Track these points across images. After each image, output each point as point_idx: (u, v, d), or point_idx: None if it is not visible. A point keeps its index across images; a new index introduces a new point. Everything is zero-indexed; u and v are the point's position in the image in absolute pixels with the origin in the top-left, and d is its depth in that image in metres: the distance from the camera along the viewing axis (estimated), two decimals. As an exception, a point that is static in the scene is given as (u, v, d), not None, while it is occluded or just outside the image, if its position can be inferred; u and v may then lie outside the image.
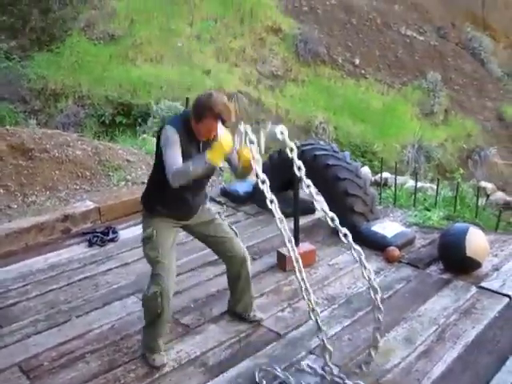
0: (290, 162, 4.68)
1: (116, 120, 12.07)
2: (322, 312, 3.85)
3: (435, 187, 6.39)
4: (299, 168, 3.14)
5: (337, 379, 3.08)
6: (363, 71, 16.01)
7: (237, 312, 3.78)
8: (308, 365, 3.23)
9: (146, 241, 3.37)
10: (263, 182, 2.98)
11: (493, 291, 4.11)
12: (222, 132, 2.99)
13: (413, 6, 18.93)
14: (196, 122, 3.15)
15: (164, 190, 3.18)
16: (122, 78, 13.16)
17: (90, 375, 3.26)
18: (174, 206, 3.31)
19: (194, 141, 3.24)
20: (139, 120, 11.73)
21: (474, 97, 17.20)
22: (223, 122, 3.07)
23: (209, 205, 3.69)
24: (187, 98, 6.07)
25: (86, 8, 14.69)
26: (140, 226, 4.89)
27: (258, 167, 2.99)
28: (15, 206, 5.68)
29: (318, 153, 5.20)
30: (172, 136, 3.12)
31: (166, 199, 3.27)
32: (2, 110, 11.21)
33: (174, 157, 3.08)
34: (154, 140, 3.51)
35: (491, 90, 17.78)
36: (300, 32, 15.71)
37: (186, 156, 3.11)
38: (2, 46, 11.10)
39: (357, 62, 16.10)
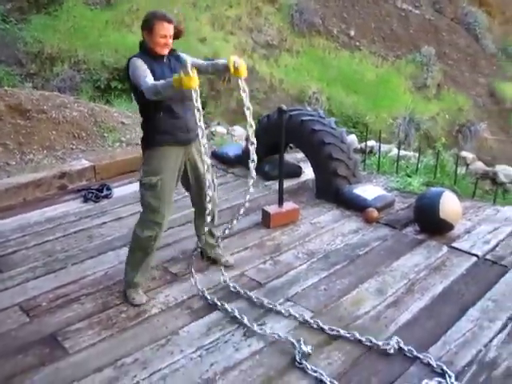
0: (278, 126, 4.93)
1: (111, 85, 12.19)
2: (300, 265, 4.17)
3: (418, 156, 6.64)
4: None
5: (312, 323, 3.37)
6: (358, 43, 16.12)
7: (205, 253, 4.12)
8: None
9: (149, 188, 3.52)
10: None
11: (463, 251, 4.40)
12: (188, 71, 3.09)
13: (410, -21, 18.94)
14: (149, 35, 3.41)
15: (156, 118, 3.42)
16: (118, 44, 13.25)
17: (85, 315, 3.53)
18: (171, 126, 3.46)
19: (160, 62, 3.48)
20: (135, 85, 11.87)
21: (467, 72, 17.35)
22: (169, 22, 3.40)
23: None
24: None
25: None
26: (133, 184, 5.22)
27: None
28: (13, 163, 5.90)
29: (304, 118, 5.43)
30: (137, 62, 3.36)
31: (162, 123, 3.44)
32: (-1, 72, 11.35)
33: (143, 74, 3.30)
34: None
35: (484, 66, 17.92)
36: (296, 2, 15.76)
37: (158, 78, 3.34)
38: (-1, 9, 11.22)
39: (352, 33, 16.20)
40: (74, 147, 6.41)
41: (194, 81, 3.08)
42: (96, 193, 5.43)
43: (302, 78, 14.35)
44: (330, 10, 16.38)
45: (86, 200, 5.36)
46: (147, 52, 3.46)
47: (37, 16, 13.33)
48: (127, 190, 5.58)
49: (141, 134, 3.66)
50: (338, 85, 14.59)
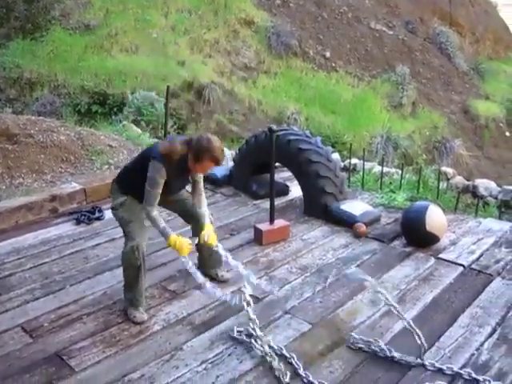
0: (266, 146, 5.07)
1: (92, 109, 12.27)
2: (295, 280, 4.29)
3: (400, 172, 6.84)
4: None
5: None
6: (334, 64, 16.44)
7: (206, 269, 4.19)
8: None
9: (118, 207, 3.77)
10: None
11: (449, 261, 4.58)
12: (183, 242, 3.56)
13: (383, 1, 19.38)
14: (194, 162, 3.56)
15: (141, 189, 3.57)
16: (98, 68, 13.36)
17: (88, 333, 3.60)
18: None
19: (184, 171, 3.68)
20: (115, 109, 11.97)
21: (440, 90, 17.77)
22: (217, 165, 3.61)
23: None
24: (168, 87, 6.40)
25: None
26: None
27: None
28: (3, 187, 5.94)
29: (291, 138, 5.58)
30: (158, 177, 3.52)
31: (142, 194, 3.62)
32: (-22, 98, 11.37)
33: (154, 197, 3.54)
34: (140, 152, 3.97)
35: (457, 84, 18.36)
36: (272, 25, 16.05)
37: (172, 182, 3.61)
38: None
39: (328, 54, 16.51)
40: (63, 171, 6.46)
41: (186, 252, 3.58)
42: (88, 215, 5.48)
43: (280, 99, 14.60)
44: (306, 31, 16.70)
45: (78, 222, 5.42)
46: (179, 161, 3.55)
47: (15, 41, 13.40)
48: (118, 211, 5.66)
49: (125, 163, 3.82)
50: (315, 105, 14.86)
